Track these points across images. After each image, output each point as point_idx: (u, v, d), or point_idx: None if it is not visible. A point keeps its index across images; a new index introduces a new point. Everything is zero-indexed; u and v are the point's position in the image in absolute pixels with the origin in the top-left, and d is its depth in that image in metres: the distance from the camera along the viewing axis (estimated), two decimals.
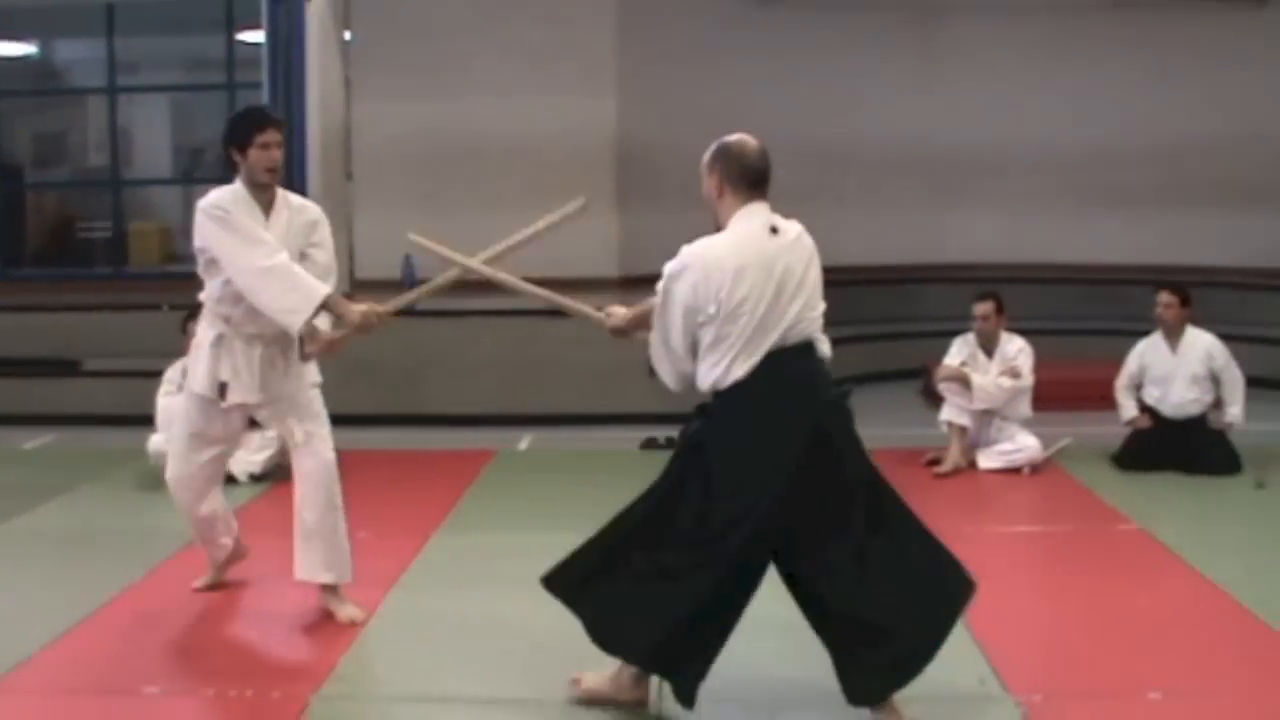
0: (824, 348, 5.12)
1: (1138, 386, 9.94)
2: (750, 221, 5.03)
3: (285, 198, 6.30)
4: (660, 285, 5.09)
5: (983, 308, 9.82)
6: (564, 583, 5.37)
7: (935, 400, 10.14)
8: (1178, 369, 9.71)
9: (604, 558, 5.27)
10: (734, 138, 5.16)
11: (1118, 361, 10.08)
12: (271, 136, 6.11)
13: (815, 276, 5.08)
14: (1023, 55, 15.23)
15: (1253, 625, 6.23)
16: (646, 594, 5.09)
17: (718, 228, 5.11)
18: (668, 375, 5.18)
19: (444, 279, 6.39)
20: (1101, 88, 15.06)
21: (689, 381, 5.13)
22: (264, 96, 12.21)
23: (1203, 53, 14.86)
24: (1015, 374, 9.71)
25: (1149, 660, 5.83)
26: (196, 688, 5.51)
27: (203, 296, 6.31)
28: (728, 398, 4.97)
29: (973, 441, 9.80)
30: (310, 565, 6.30)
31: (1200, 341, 9.71)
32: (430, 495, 8.87)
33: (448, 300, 12.01)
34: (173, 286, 12.56)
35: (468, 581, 7.07)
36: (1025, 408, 9.79)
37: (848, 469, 5.07)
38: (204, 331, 6.33)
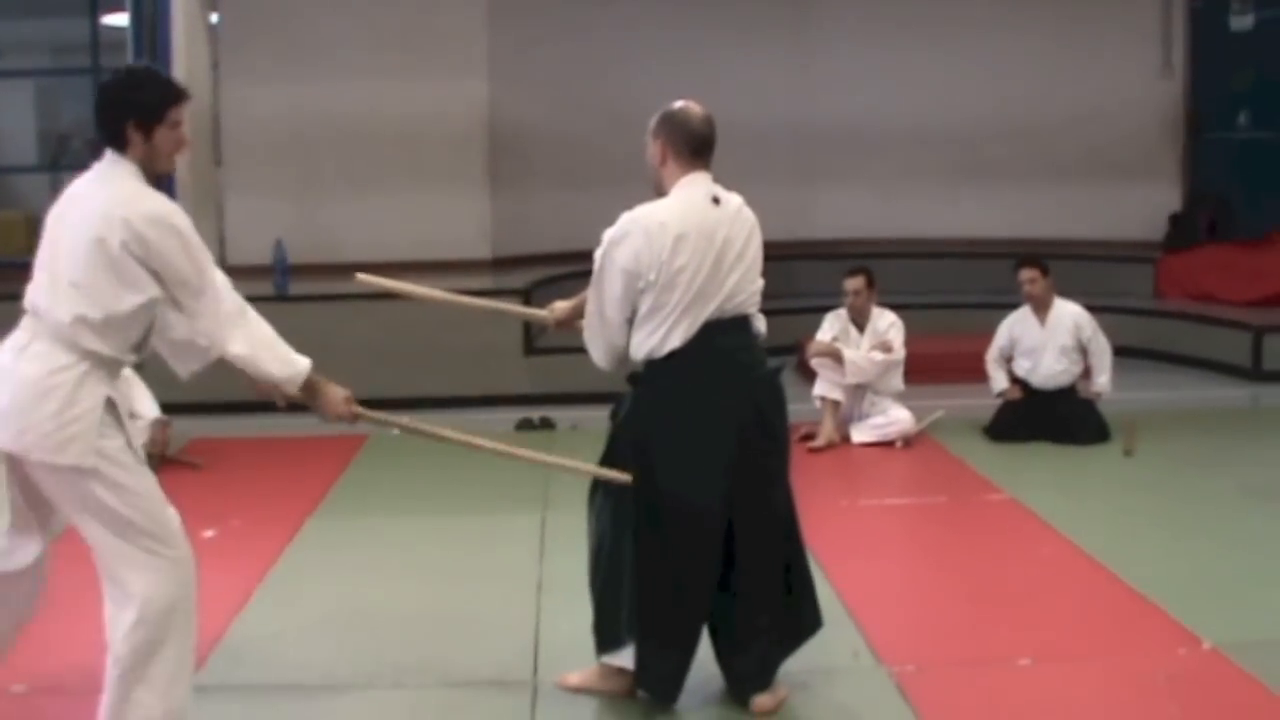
0: (759, 324, 5.12)
1: (1008, 359, 10.07)
2: (692, 190, 4.99)
3: None
4: (599, 253, 5.01)
5: (854, 283, 9.89)
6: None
7: (808, 375, 10.20)
8: (1047, 341, 9.84)
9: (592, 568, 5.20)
10: (679, 104, 5.11)
11: (988, 334, 10.20)
12: (183, 113, 4.66)
13: (755, 250, 5.07)
14: (891, 32, 15.35)
15: (1121, 591, 6.34)
16: (614, 586, 5.05)
17: (659, 194, 5.06)
18: (599, 351, 5.12)
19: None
20: (969, 64, 15.22)
21: (620, 356, 5.08)
22: None
23: (1066, 29, 15.07)
24: (887, 348, 9.80)
25: (1019, 627, 5.92)
26: (64, 685, 5.41)
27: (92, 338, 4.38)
28: (662, 368, 4.94)
29: (846, 416, 9.87)
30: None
31: (1067, 313, 9.85)
32: (303, 482, 8.77)
33: (317, 285, 11.96)
34: None
35: (342, 568, 7.03)
36: (897, 381, 9.88)
37: (779, 446, 5.13)
38: (91, 392, 4.37)
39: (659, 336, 4.91)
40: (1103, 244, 14.84)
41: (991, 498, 8.27)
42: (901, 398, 9.91)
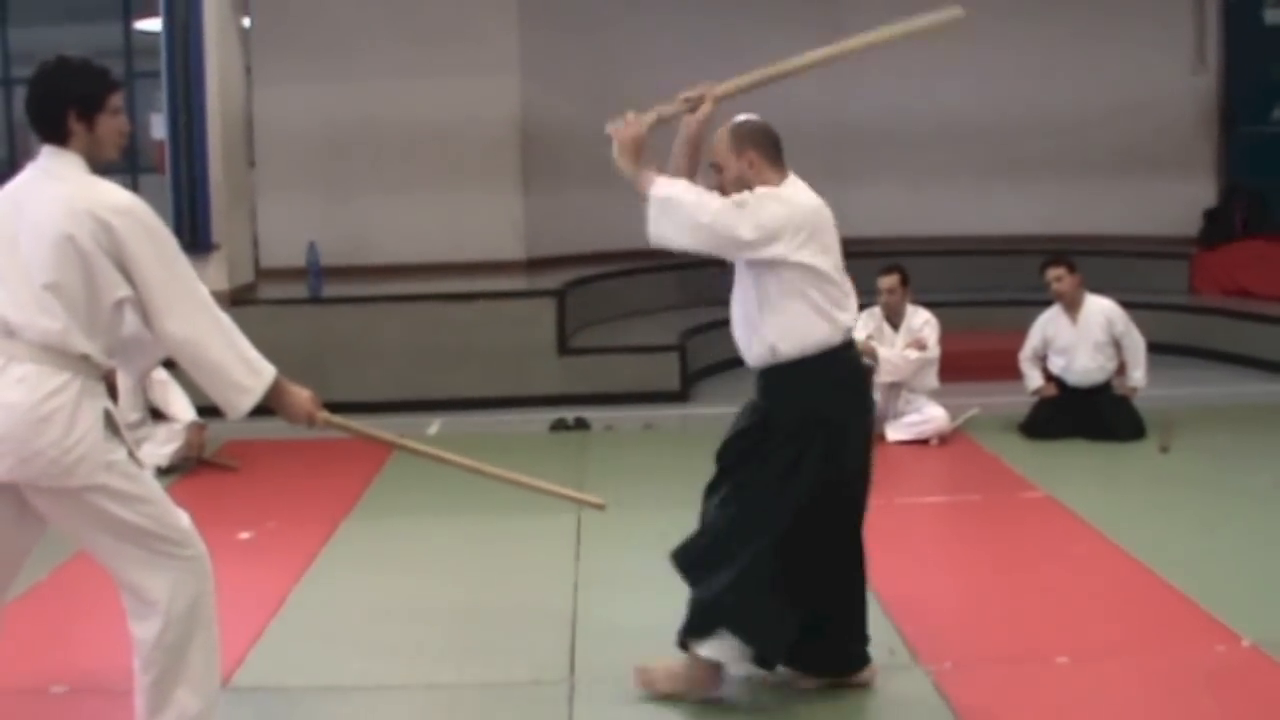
0: None
1: (1041, 358, 10.03)
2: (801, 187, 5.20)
3: None
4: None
5: (888, 281, 9.85)
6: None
7: None
8: (1080, 339, 9.78)
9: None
10: (742, 118, 5.28)
11: (1022, 331, 10.16)
12: (121, 101, 4.48)
13: None
14: None
15: (1158, 587, 6.31)
16: (721, 574, 5.03)
17: None
18: (681, 230, 5.08)
19: None
20: (1001, 59, 15.16)
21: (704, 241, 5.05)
22: (163, 85, 12.07)
23: (1099, 23, 15.01)
24: (921, 346, 9.76)
25: (1056, 625, 5.90)
26: (104, 685, 5.42)
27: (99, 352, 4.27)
28: (834, 358, 5.03)
29: (880, 414, 9.81)
30: None
31: (1099, 309, 9.80)
32: (339, 483, 8.76)
33: (351, 287, 12.00)
34: None
35: (378, 568, 7.04)
36: (932, 379, 9.85)
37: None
38: (90, 410, 4.22)
39: (840, 329, 5.04)
40: (1137, 240, 14.80)
41: (1027, 495, 8.24)
42: (936, 395, 9.88)
